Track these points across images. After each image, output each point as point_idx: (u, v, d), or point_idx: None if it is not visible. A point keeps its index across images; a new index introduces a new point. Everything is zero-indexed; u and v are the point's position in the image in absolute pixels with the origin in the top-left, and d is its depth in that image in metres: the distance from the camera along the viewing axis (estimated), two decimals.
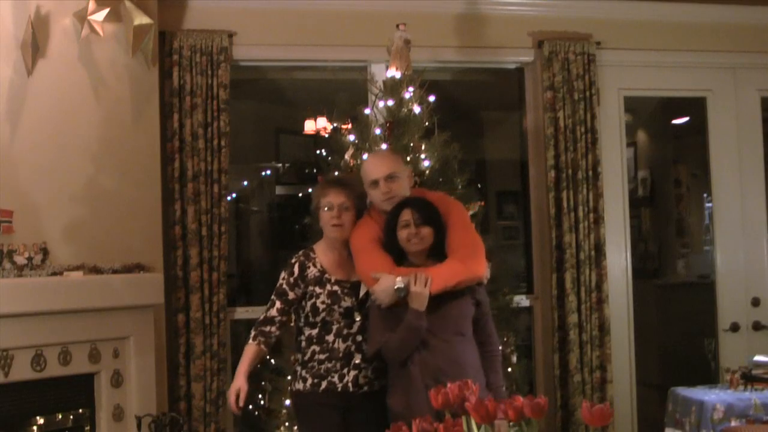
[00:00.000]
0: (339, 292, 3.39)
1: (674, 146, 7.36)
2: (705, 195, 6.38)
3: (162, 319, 4.46)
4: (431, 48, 4.84)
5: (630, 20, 5.20)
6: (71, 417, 4.03)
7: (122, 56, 4.29)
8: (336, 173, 4.20)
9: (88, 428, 4.05)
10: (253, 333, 3.40)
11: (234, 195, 6.32)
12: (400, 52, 4.20)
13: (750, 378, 4.17)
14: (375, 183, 3.39)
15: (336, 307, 3.38)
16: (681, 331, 6.31)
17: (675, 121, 7.06)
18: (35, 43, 3.94)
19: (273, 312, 3.42)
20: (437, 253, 3.31)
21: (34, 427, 3.94)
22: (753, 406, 3.98)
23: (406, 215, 3.26)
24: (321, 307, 3.38)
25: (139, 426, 3.98)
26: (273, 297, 3.44)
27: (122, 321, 4.09)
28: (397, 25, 4.26)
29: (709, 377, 4.68)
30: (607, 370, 4.90)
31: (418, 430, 1.99)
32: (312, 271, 3.43)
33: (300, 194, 6.49)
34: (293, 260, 3.49)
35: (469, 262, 3.30)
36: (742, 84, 5.35)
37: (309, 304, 3.40)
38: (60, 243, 4.00)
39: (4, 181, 3.87)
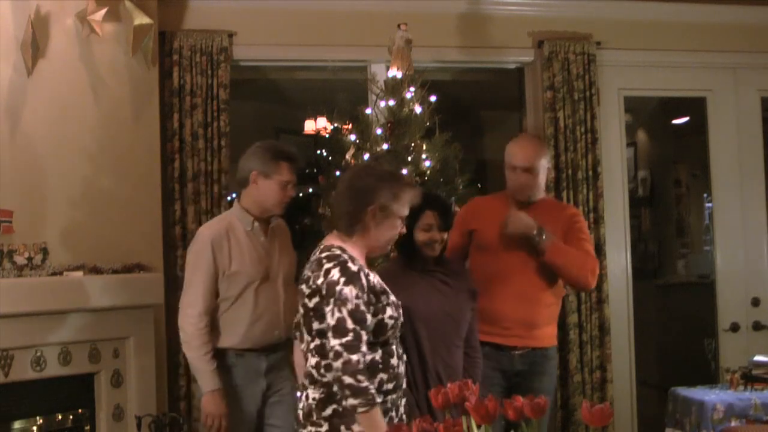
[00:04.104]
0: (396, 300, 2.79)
1: (674, 146, 7.37)
2: (705, 195, 6.39)
3: (162, 319, 4.45)
4: (432, 48, 4.83)
5: (630, 20, 5.20)
6: (71, 417, 4.03)
7: (122, 56, 4.29)
8: (338, 173, 4.20)
9: (88, 428, 4.05)
10: (364, 398, 2.52)
11: (234, 195, 6.31)
12: (401, 52, 4.20)
13: (750, 378, 4.17)
14: (513, 168, 3.60)
15: (400, 320, 2.75)
16: (681, 331, 6.31)
17: (675, 121, 7.07)
18: (35, 43, 3.94)
19: (363, 349, 2.56)
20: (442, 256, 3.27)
21: (34, 427, 3.94)
22: (753, 406, 3.98)
23: (429, 218, 3.14)
24: (389, 323, 2.68)
25: (139, 426, 3.98)
26: (353, 327, 2.55)
27: (122, 321, 4.09)
28: (398, 25, 4.26)
29: (709, 377, 4.68)
30: (607, 370, 4.90)
31: (418, 430, 1.98)
32: (373, 279, 2.71)
33: (300, 194, 6.49)
34: (354, 268, 2.64)
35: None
36: (742, 84, 5.34)
37: (375, 321, 2.65)
38: (60, 243, 4.00)
39: (4, 181, 3.86)
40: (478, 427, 1.93)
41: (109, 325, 4.03)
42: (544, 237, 3.50)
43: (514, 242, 3.54)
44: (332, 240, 2.76)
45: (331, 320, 2.57)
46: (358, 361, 2.53)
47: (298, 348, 2.88)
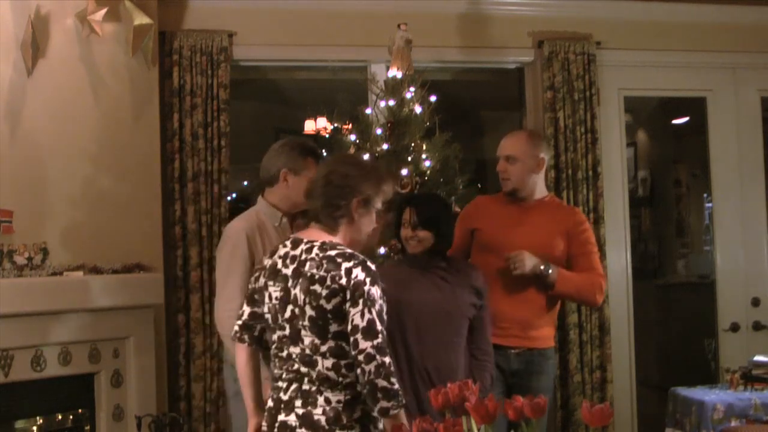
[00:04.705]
0: None
1: (674, 146, 7.37)
2: (705, 195, 6.39)
3: (162, 319, 4.46)
4: (432, 48, 4.83)
5: (630, 20, 5.20)
6: (71, 417, 4.03)
7: (122, 56, 4.29)
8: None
9: (88, 428, 4.05)
10: (396, 401, 2.44)
11: (234, 195, 6.31)
12: (401, 52, 4.21)
13: (750, 378, 4.17)
14: (498, 158, 3.66)
15: None
16: (681, 331, 6.31)
17: (675, 121, 7.07)
18: (35, 43, 3.94)
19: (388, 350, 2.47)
20: (440, 254, 3.24)
21: (34, 427, 3.94)
22: (753, 406, 3.98)
23: (407, 214, 3.18)
24: (386, 319, 2.58)
25: (139, 426, 3.98)
26: (381, 329, 2.45)
27: (122, 321, 4.09)
28: (398, 25, 4.26)
29: (709, 377, 4.68)
30: (607, 370, 4.90)
31: (418, 430, 1.98)
32: None
33: None
34: (373, 267, 2.53)
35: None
36: (742, 84, 5.34)
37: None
38: (60, 243, 4.00)
39: (4, 181, 3.86)
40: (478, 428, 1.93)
41: (109, 325, 4.03)
42: (551, 271, 3.50)
43: (517, 245, 3.54)
44: (315, 235, 2.61)
45: (360, 322, 2.43)
46: (390, 364, 2.43)
47: (244, 351, 2.72)
